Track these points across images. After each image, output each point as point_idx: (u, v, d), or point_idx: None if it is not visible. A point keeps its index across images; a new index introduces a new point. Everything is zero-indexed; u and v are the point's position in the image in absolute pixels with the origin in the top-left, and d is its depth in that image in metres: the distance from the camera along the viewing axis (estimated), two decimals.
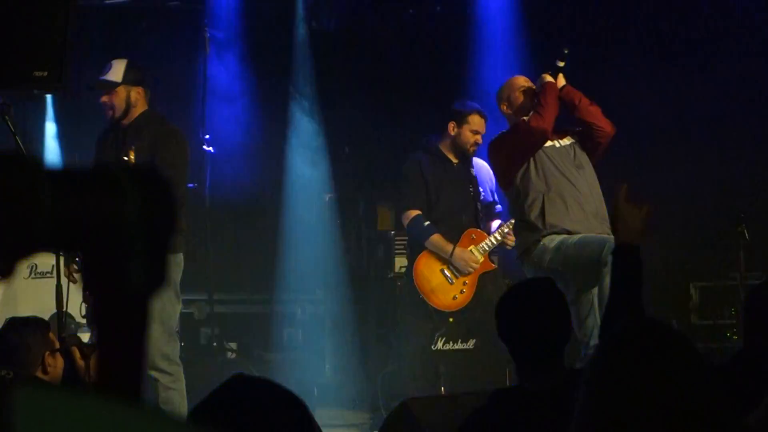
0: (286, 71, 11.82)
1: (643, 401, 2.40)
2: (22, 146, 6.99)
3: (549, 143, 7.69)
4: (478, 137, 8.89)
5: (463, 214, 8.90)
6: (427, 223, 8.72)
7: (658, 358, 2.46)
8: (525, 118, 7.73)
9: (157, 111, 7.77)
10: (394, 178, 9.44)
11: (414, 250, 8.99)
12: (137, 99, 7.57)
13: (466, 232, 8.86)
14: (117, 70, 7.54)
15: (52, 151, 10.99)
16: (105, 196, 1.11)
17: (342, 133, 11.77)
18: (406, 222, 8.88)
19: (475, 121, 8.86)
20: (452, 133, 8.86)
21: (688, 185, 10.14)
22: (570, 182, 7.62)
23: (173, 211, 1.15)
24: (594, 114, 7.71)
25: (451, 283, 8.83)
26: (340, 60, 11.88)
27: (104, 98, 7.53)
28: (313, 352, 10.75)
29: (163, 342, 7.45)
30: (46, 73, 6.72)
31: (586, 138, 7.75)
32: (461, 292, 8.81)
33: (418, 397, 6.32)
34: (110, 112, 7.53)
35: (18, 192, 1.06)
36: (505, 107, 7.92)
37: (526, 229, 7.61)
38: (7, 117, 6.89)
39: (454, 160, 8.95)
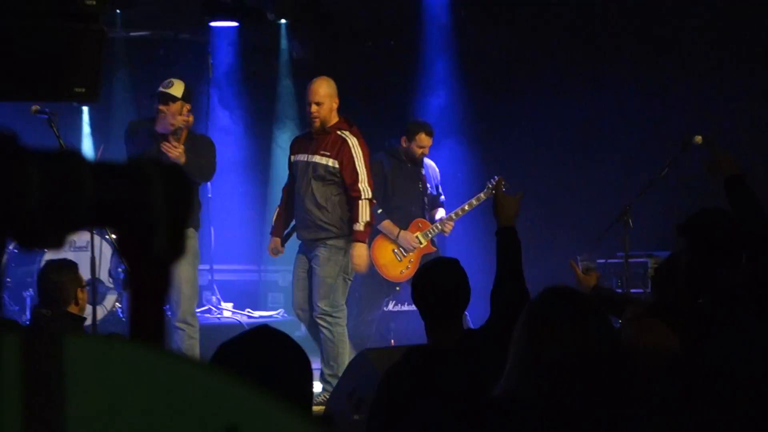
0: (273, 93, 11.84)
1: (561, 346, 2.42)
2: (65, 147, 6.94)
3: (303, 156, 7.58)
4: (425, 149, 8.89)
5: (413, 206, 8.91)
6: (380, 210, 8.70)
7: (571, 313, 2.49)
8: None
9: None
10: None
11: (372, 233, 8.98)
12: (185, 114, 7.53)
13: (414, 221, 8.87)
14: (178, 88, 7.41)
15: (87, 150, 10.95)
16: (135, 184, 1.11)
17: None
18: None
19: (422, 139, 8.84)
20: (404, 145, 8.87)
21: (586, 184, 10.21)
22: (298, 194, 7.59)
23: (190, 196, 1.15)
24: None
25: (400, 260, 8.85)
26: None
27: (162, 107, 7.38)
28: (291, 312, 10.74)
29: (192, 301, 7.49)
30: (84, 89, 6.67)
31: (345, 187, 7.54)
32: (407, 267, 8.83)
33: (374, 348, 6.31)
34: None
35: (67, 181, 1.06)
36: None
37: None
38: (53, 124, 6.88)
39: (409, 163, 8.94)
